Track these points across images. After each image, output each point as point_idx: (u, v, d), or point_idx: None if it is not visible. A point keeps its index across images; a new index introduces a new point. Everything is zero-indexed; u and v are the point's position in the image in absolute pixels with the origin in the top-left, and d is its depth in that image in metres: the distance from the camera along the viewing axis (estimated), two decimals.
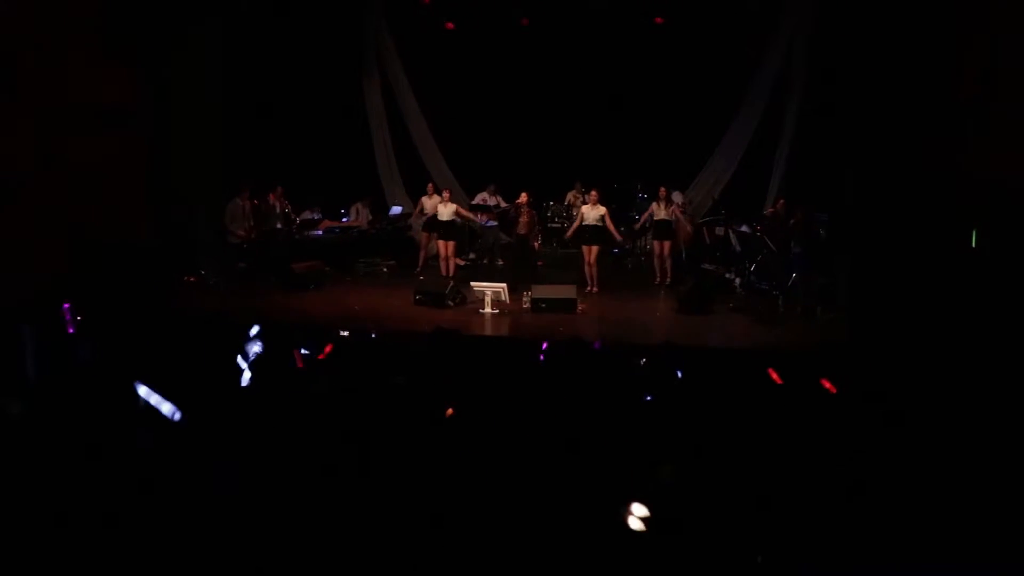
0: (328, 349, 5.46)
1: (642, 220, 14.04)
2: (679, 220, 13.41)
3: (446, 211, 13.23)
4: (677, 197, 14.82)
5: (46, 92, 11.34)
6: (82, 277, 11.75)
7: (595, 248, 12.55)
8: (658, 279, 13.08)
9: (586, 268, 12.59)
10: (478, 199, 15.79)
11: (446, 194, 13.55)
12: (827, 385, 5.73)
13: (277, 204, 13.71)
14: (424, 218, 13.96)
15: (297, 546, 3.19)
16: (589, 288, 12.46)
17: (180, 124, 12.59)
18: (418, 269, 13.61)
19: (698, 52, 15.50)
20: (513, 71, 16.87)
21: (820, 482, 3.52)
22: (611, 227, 12.65)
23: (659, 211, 13.02)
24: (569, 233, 13.65)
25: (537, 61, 16.53)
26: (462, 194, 16.24)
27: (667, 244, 13.00)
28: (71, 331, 6.46)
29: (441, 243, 13.25)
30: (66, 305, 7.06)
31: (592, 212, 12.63)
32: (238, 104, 13.80)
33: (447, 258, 13.22)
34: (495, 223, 15.40)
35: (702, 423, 4.23)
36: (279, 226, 13.48)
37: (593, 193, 12.90)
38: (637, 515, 3.22)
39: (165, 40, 12.44)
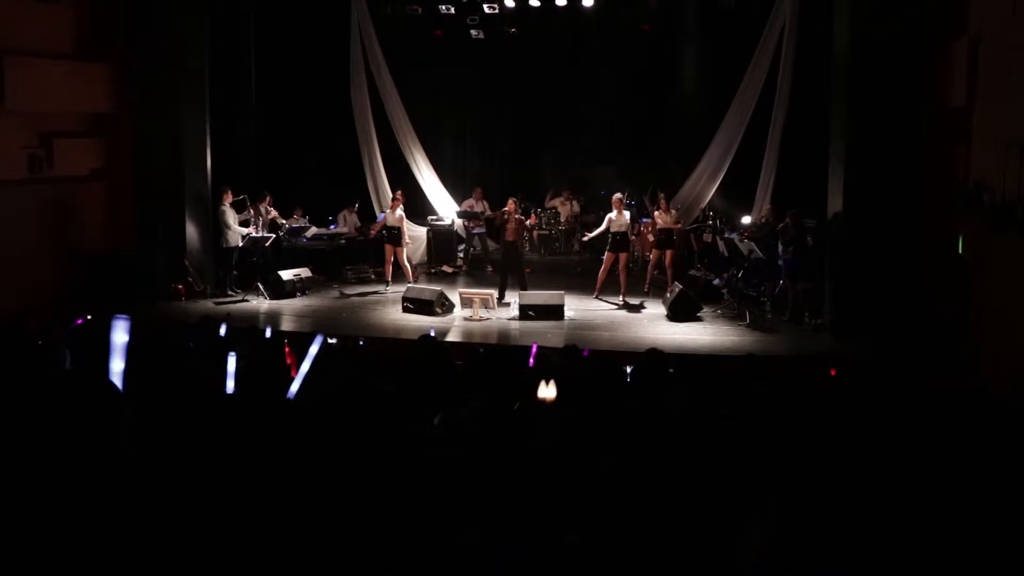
0: (287, 349, 5.46)
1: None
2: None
3: (392, 217, 13.24)
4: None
5: (34, 100, 11.31)
6: (72, 285, 11.71)
7: (624, 255, 12.52)
8: (647, 287, 13.06)
9: (620, 277, 12.45)
10: (465, 205, 15.79)
11: (399, 197, 13.56)
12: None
13: (265, 211, 13.66)
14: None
15: (288, 550, 3.17)
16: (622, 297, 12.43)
17: (168, 131, 12.52)
18: (409, 279, 13.54)
19: (688, 58, 15.58)
20: (502, 78, 16.92)
21: (805, 485, 3.52)
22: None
23: (662, 219, 12.88)
24: (588, 238, 13.52)
25: (526, 68, 16.59)
26: (449, 199, 16.23)
27: (668, 253, 12.90)
28: (55, 337, 6.43)
29: (388, 247, 13.26)
30: (49, 319, 7.03)
31: (620, 219, 12.39)
32: (226, 111, 13.77)
33: (391, 263, 13.28)
34: (483, 230, 15.40)
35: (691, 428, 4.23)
36: (266, 233, 13.42)
37: (615, 199, 12.61)
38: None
39: (152, 48, 12.38)
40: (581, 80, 16.42)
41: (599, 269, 12.69)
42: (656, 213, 13.05)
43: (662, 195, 13.36)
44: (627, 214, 12.62)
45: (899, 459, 3.94)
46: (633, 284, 12.90)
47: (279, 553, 3.18)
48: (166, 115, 12.53)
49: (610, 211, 12.48)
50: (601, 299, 12.49)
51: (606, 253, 12.54)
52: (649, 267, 13.27)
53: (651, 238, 12.96)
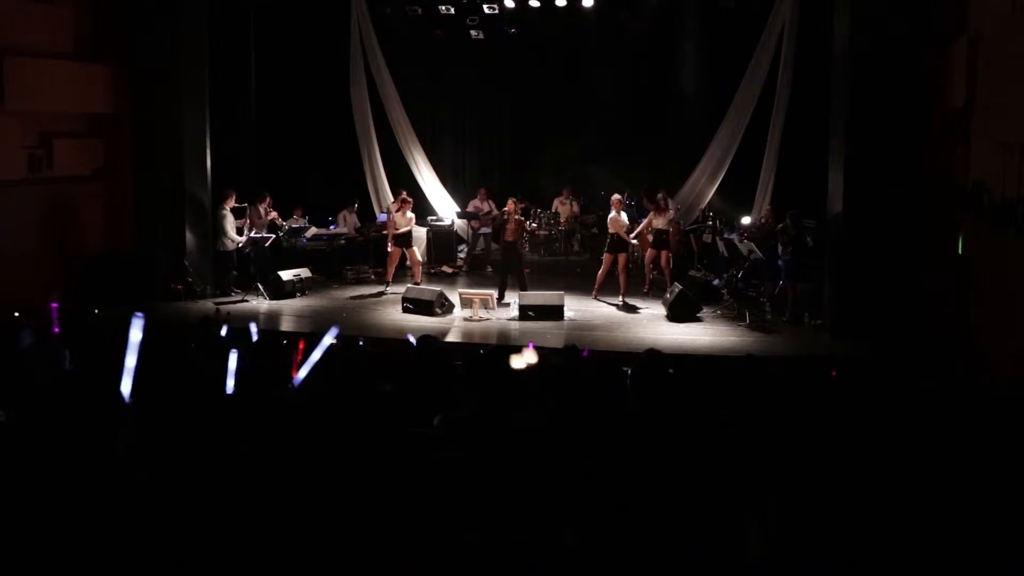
0: (301, 346, 5.44)
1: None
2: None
3: (403, 219, 13.24)
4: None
5: (34, 100, 11.30)
6: (72, 285, 11.70)
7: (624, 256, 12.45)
8: (647, 287, 13.04)
9: (620, 277, 12.43)
10: (471, 206, 15.77)
11: (408, 199, 13.57)
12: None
13: (264, 212, 13.65)
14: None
15: (286, 549, 3.17)
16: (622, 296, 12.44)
17: (168, 131, 12.52)
18: (418, 280, 13.55)
19: (688, 58, 15.59)
20: (502, 78, 16.91)
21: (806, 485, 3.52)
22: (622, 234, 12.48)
23: (656, 219, 12.81)
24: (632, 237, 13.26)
25: (526, 68, 16.59)
26: (449, 200, 16.24)
27: (663, 253, 12.82)
28: (56, 331, 6.43)
29: (396, 249, 13.25)
30: (54, 304, 7.00)
31: (619, 219, 12.36)
32: (226, 111, 13.76)
33: (395, 264, 13.27)
34: (488, 230, 15.38)
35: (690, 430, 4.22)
36: (266, 234, 13.42)
37: (614, 199, 12.59)
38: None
39: (152, 48, 12.38)
40: (581, 80, 16.43)
41: (599, 270, 12.68)
42: (652, 214, 12.97)
43: (661, 194, 13.27)
44: (624, 215, 12.59)
45: (898, 459, 3.93)
46: (634, 284, 12.89)
47: (279, 552, 3.18)
48: (166, 115, 12.52)
49: (610, 212, 12.48)
50: (599, 300, 12.48)
51: (604, 254, 12.53)
52: (646, 267, 13.25)
53: (650, 238, 12.94)
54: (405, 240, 13.29)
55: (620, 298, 12.36)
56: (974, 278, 9.01)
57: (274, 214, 13.86)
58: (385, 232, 13.78)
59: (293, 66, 15.29)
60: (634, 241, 12.87)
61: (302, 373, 4.59)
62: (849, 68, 10.44)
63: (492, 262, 14.98)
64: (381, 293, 13.24)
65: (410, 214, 13.33)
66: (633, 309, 12.13)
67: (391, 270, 13.42)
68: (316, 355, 4.73)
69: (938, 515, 3.27)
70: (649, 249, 13.05)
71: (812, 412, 5.10)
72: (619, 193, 13.24)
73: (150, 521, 3.19)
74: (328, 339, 4.89)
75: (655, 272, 13.07)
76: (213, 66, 13.10)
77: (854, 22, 10.35)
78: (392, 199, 16.05)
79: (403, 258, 13.50)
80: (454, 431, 4.08)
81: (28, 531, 3.08)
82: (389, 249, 13.43)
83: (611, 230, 12.34)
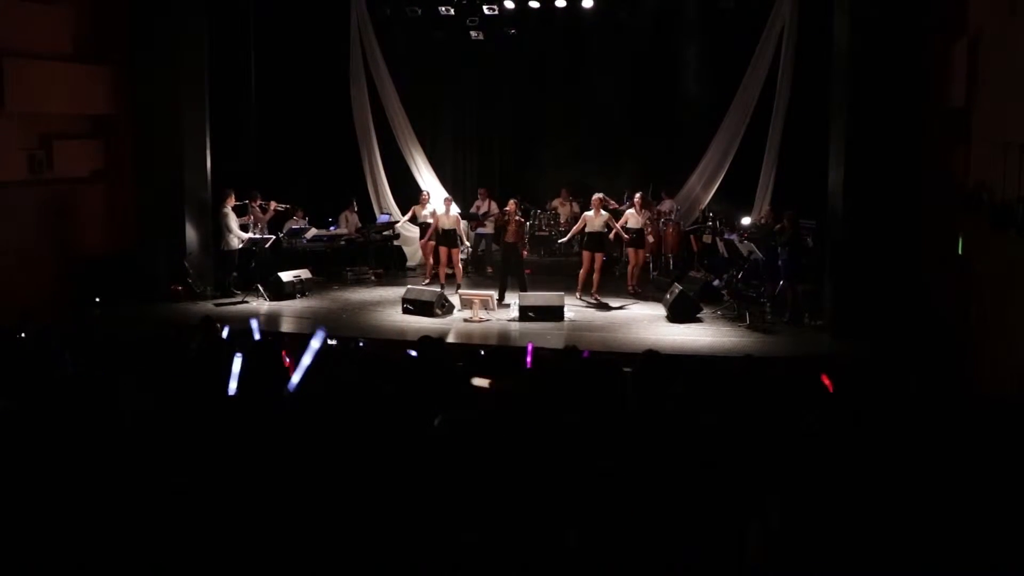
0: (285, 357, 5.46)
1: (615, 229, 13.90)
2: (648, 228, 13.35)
3: (447, 219, 13.18)
4: (668, 204, 14.81)
5: (34, 102, 11.30)
6: (72, 286, 11.71)
7: (600, 255, 12.49)
8: (632, 285, 13.07)
9: (594, 276, 12.46)
10: (474, 207, 15.73)
11: (447, 201, 13.54)
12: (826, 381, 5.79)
13: (261, 210, 13.62)
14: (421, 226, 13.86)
15: (288, 549, 3.17)
16: (592, 293, 12.49)
17: (168, 131, 12.51)
18: (427, 280, 13.56)
19: (688, 58, 15.57)
20: (502, 78, 16.91)
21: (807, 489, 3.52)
22: (619, 231, 12.56)
23: (633, 219, 12.85)
24: (567, 237, 13.57)
25: (526, 69, 16.59)
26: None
27: (639, 252, 12.98)
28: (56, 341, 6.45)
29: (443, 249, 13.17)
30: (50, 320, 7.03)
31: (597, 219, 12.44)
32: (226, 112, 13.75)
33: (446, 265, 13.21)
34: (487, 230, 15.35)
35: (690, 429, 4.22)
36: (267, 234, 13.41)
37: (595, 199, 12.64)
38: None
39: (152, 48, 12.38)
40: (581, 80, 16.41)
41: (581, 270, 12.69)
42: (629, 212, 12.96)
43: (639, 193, 13.25)
44: (604, 215, 12.55)
45: (898, 459, 3.94)
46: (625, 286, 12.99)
47: (280, 552, 3.18)
48: (166, 115, 12.51)
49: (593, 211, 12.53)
50: (584, 299, 12.45)
51: (583, 253, 12.56)
52: (629, 267, 13.27)
53: (626, 236, 12.91)
54: (450, 239, 13.13)
55: (593, 296, 12.43)
56: (974, 278, 9.00)
57: (273, 204, 13.78)
58: (395, 231, 13.73)
59: (293, 66, 15.27)
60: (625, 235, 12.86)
61: (295, 379, 4.59)
62: (849, 68, 10.44)
63: (492, 263, 14.97)
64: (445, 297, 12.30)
65: (454, 212, 13.29)
66: (634, 310, 12.12)
67: (442, 271, 13.23)
68: (307, 360, 4.73)
69: (937, 515, 3.27)
70: (628, 249, 13.11)
71: (811, 412, 5.10)
72: (609, 192, 13.27)
73: (151, 518, 3.19)
74: (316, 343, 4.89)
75: (656, 272, 13.09)
76: (213, 66, 13.09)
77: (854, 22, 10.35)
78: (392, 200, 16.07)
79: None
80: (455, 431, 4.08)
81: (29, 527, 3.08)
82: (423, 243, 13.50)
83: (588, 229, 12.43)
